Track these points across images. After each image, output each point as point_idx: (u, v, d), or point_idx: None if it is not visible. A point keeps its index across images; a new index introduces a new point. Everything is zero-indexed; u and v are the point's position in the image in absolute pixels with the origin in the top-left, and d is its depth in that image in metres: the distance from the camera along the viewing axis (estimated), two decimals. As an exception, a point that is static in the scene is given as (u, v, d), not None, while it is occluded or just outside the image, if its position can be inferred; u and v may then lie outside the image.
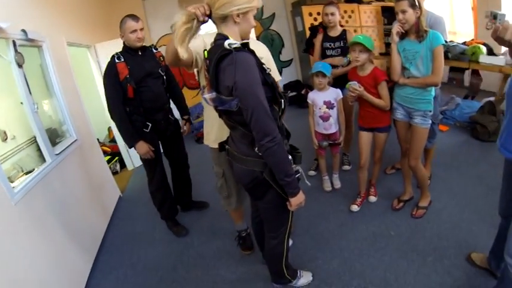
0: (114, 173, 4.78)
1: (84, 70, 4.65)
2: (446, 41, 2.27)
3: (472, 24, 6.16)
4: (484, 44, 4.42)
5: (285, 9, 7.13)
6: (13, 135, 3.47)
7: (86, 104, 5.17)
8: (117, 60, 2.52)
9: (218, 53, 1.29)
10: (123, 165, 5.02)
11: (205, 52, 1.43)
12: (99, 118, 4.95)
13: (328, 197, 3.11)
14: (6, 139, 3.43)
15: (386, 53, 6.49)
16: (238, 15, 1.33)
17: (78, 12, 4.07)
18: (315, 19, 6.32)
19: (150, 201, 2.99)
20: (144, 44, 2.64)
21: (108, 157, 4.89)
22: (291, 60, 7.59)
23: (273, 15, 7.22)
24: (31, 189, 2.22)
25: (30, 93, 2.52)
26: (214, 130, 1.99)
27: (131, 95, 2.54)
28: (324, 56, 3.24)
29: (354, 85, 2.44)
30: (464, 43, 4.73)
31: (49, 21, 3.13)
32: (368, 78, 2.47)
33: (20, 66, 2.43)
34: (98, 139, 5.40)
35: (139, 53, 2.62)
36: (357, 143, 2.74)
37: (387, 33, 7.29)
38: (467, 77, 4.68)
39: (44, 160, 2.66)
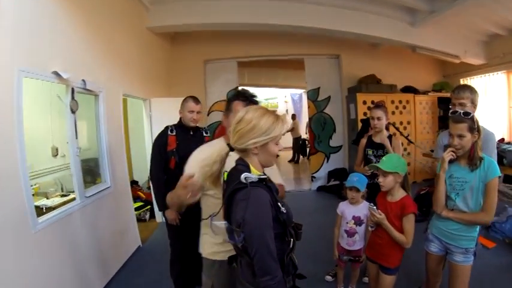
0: (143, 220, 4.83)
1: (140, 116, 5.00)
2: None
3: None
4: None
5: (341, 93, 6.98)
6: (63, 153, 3.82)
7: (134, 148, 5.66)
8: (169, 132, 2.69)
9: (234, 185, 1.26)
10: (152, 214, 5.08)
11: (226, 174, 1.38)
12: (143, 164, 5.15)
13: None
14: (56, 155, 3.85)
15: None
16: (256, 147, 1.30)
17: (139, 67, 4.49)
18: (369, 108, 6.13)
19: (166, 258, 2.91)
20: (197, 125, 2.81)
21: (141, 203, 5.00)
22: (341, 146, 7.16)
23: (329, 98, 7.04)
24: (53, 223, 2.37)
25: (77, 137, 2.73)
26: (212, 243, 1.81)
27: (173, 166, 2.64)
28: (366, 162, 3.01)
29: (373, 209, 2.10)
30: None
31: (110, 74, 3.49)
32: (395, 206, 2.09)
33: (73, 112, 2.68)
34: (137, 182, 5.70)
35: (191, 133, 2.74)
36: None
37: (441, 126, 7.11)
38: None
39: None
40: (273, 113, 1.32)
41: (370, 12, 5.43)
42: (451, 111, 2.02)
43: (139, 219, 4.56)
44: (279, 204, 1.28)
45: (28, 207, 2.10)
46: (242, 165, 1.32)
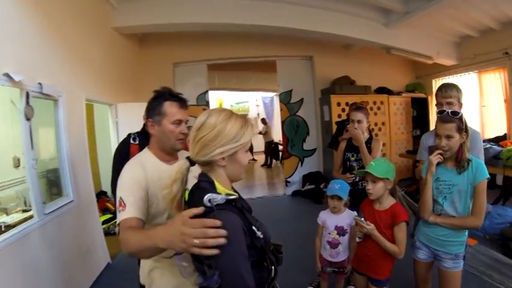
0: (112, 234, 4.50)
1: (107, 123, 4.69)
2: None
3: (505, 118, 5.96)
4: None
5: (314, 95, 6.92)
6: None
7: (101, 156, 5.28)
8: (132, 141, 2.42)
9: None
10: (122, 226, 4.75)
11: (187, 193, 1.13)
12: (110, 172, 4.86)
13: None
14: (18, 166, 3.52)
15: (415, 151, 6.34)
16: (223, 159, 1.09)
17: (105, 70, 4.19)
18: (343, 110, 6.19)
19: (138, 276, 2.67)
20: None
21: (109, 216, 4.67)
22: (315, 149, 7.06)
23: (301, 100, 6.95)
24: (8, 245, 2.10)
25: (33, 147, 2.44)
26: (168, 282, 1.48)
27: None
28: (344, 167, 2.87)
29: (360, 221, 1.96)
30: (497, 140, 4.47)
31: (70, 77, 3.19)
32: (385, 214, 1.97)
33: (27, 119, 2.39)
34: (106, 192, 5.34)
35: None
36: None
37: (415, 126, 7.28)
38: (499, 175, 4.35)
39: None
40: (240, 115, 1.13)
41: (344, 13, 5.39)
42: (437, 110, 1.95)
43: (108, 233, 4.23)
44: (254, 228, 1.06)
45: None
46: (205, 182, 1.10)
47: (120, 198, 1.30)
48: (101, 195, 5.19)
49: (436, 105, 2.28)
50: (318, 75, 6.86)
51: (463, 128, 1.79)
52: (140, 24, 4.65)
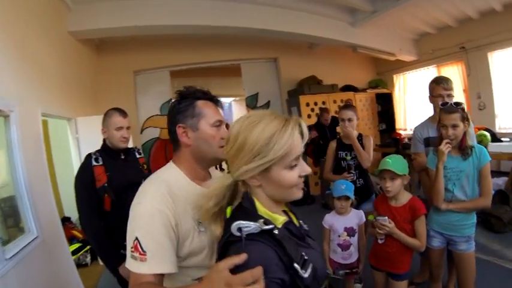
0: (83, 265, 3.95)
1: (64, 140, 4.17)
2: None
3: (465, 106, 6.23)
4: (487, 130, 4.32)
5: (281, 97, 6.86)
6: None
7: (61, 178, 4.69)
8: (94, 163, 2.02)
9: (225, 236, 0.85)
10: (94, 256, 4.16)
11: (229, 209, 0.93)
12: (73, 196, 4.33)
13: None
14: None
15: (383, 145, 6.61)
16: (254, 178, 0.87)
17: (61, 80, 3.70)
18: (312, 109, 6.19)
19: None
20: (127, 146, 2.20)
21: (78, 245, 4.10)
22: None
23: (268, 103, 6.85)
24: None
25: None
26: None
27: (108, 207, 2.02)
28: (338, 167, 2.81)
29: (383, 221, 1.95)
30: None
31: (23, 88, 2.70)
32: (403, 210, 1.99)
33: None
34: (69, 218, 4.75)
35: (122, 157, 2.16)
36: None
37: (381, 121, 7.52)
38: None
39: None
40: (280, 117, 0.86)
41: (310, 12, 5.39)
42: (441, 102, 2.08)
43: (79, 265, 3.70)
44: (296, 265, 0.79)
45: None
46: (247, 201, 0.89)
47: (137, 239, 0.94)
48: (64, 221, 4.57)
49: (434, 97, 2.37)
50: (283, 76, 6.82)
51: (465, 117, 1.92)
52: (98, 28, 4.24)
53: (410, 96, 7.55)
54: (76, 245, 4.05)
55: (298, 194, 0.91)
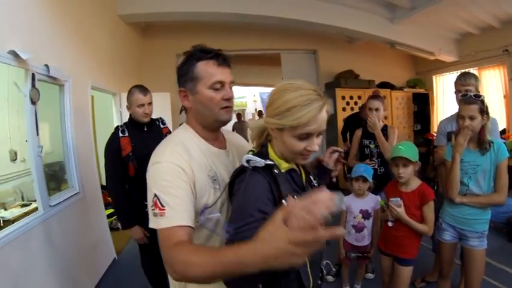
0: (115, 229, 4.31)
1: (107, 114, 4.53)
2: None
3: (504, 113, 6.07)
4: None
5: (318, 90, 6.93)
6: (23, 158, 3.32)
7: (102, 149, 5.05)
8: (121, 134, 2.27)
9: (236, 168, 1.01)
10: (126, 221, 4.56)
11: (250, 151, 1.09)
12: None
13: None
14: (15, 159, 3.35)
15: (416, 144, 6.25)
16: (272, 129, 1.00)
17: (110, 58, 4.02)
18: (347, 103, 6.22)
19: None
20: (152, 117, 2.41)
21: (112, 210, 4.48)
22: None
23: (306, 94, 6.94)
24: (12, 240, 1.91)
25: (38, 133, 2.27)
26: None
27: (132, 173, 2.26)
28: (363, 154, 2.91)
29: (395, 202, 2.00)
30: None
31: (76, 62, 3.01)
32: (412, 195, 2.03)
33: (33, 102, 2.22)
34: (106, 187, 5.14)
35: (145, 129, 2.36)
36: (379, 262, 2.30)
37: (416, 121, 7.33)
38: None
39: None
40: (310, 93, 0.93)
41: (350, 6, 5.31)
42: (461, 94, 2.09)
43: (112, 228, 4.04)
44: (284, 202, 0.89)
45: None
46: (264, 146, 1.04)
47: (155, 196, 0.96)
48: (102, 189, 4.99)
49: (455, 92, 2.39)
50: (322, 68, 6.80)
51: (484, 110, 1.87)
52: (145, 12, 4.48)
53: (449, 97, 7.23)
54: (110, 210, 4.41)
55: (301, 162, 1.03)
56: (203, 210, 1.06)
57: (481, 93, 2.02)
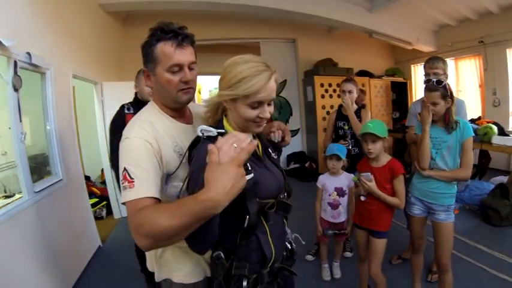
0: (99, 218, 4.37)
1: (88, 105, 4.55)
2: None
3: (480, 102, 6.34)
4: (495, 123, 4.39)
5: (297, 77, 7.00)
6: (4, 151, 3.28)
7: (83, 140, 5.07)
8: (126, 111, 2.39)
9: (193, 139, 1.08)
10: (109, 211, 4.59)
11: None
12: (95, 156, 4.80)
13: (327, 288, 2.68)
14: None
15: (394, 130, 6.55)
16: (226, 102, 1.05)
17: (91, 47, 4.00)
18: (326, 90, 6.39)
19: (131, 256, 2.59)
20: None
21: (96, 200, 4.51)
22: (298, 129, 7.15)
23: (285, 81, 6.98)
24: None
25: (21, 120, 2.29)
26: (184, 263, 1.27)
27: None
28: (337, 135, 3.05)
29: (366, 176, 2.06)
30: (472, 121, 4.72)
31: (58, 51, 3.01)
32: (383, 170, 2.09)
33: (15, 89, 2.24)
34: (89, 177, 5.17)
35: None
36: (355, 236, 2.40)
37: (395, 109, 7.56)
38: (475, 155, 4.56)
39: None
40: (259, 66, 1.01)
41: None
42: (424, 80, 2.19)
43: (96, 217, 4.08)
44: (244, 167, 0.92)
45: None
46: (220, 121, 1.11)
47: (125, 169, 1.00)
48: (86, 180, 5.00)
49: (424, 75, 2.49)
50: (301, 57, 6.94)
51: (447, 95, 1.97)
52: (125, 1, 4.50)
53: (427, 86, 7.52)
54: (94, 200, 4.45)
55: (255, 130, 1.09)
56: (166, 178, 1.13)
57: (445, 79, 2.14)
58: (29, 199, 2.32)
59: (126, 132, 1.11)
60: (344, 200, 2.62)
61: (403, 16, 6.10)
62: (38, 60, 2.47)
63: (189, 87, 1.16)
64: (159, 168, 1.06)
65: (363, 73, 7.12)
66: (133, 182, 0.97)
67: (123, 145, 1.07)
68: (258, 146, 1.16)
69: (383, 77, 7.45)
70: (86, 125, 4.84)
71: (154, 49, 1.10)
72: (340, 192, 2.60)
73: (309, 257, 3.10)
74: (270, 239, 1.08)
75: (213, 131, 1.02)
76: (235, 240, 1.03)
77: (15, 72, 2.21)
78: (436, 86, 1.98)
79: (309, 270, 2.90)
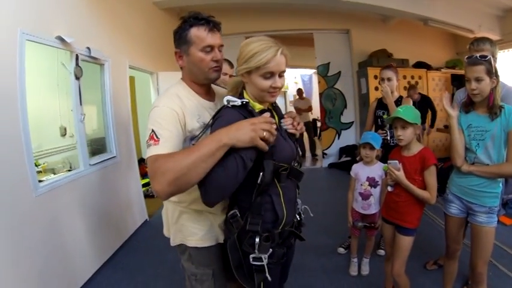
0: (150, 196, 4.83)
1: (146, 97, 5.00)
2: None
3: None
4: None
5: (351, 68, 6.84)
6: (72, 133, 3.74)
7: (142, 126, 5.63)
8: None
9: (217, 109, 1.23)
10: (161, 191, 5.05)
11: None
12: None
13: (351, 283, 2.57)
14: (65, 135, 3.85)
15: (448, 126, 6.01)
16: (243, 75, 1.21)
17: (145, 41, 4.42)
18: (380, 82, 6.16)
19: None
20: None
21: (148, 180, 4.99)
22: (352, 122, 7.02)
23: (339, 73, 6.90)
24: (55, 188, 2.35)
25: (81, 103, 2.71)
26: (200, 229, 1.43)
27: None
28: (376, 125, 2.96)
29: (394, 164, 1.91)
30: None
31: (115, 45, 3.44)
32: (414, 159, 1.91)
33: (77, 78, 2.65)
34: (145, 159, 5.68)
35: None
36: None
37: None
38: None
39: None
40: (269, 42, 1.15)
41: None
42: (467, 56, 1.83)
43: (147, 195, 4.55)
44: None
45: (29, 169, 2.06)
46: (240, 94, 1.26)
47: (152, 131, 1.14)
48: (140, 162, 5.52)
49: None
50: (355, 48, 6.75)
51: (492, 72, 1.69)
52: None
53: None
54: (147, 180, 4.93)
55: (269, 100, 1.23)
56: (190, 138, 1.27)
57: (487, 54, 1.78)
58: (84, 170, 2.76)
59: (156, 102, 1.29)
60: (376, 191, 2.50)
61: (462, 1, 5.63)
62: (97, 54, 2.89)
63: (218, 66, 1.35)
64: (182, 133, 1.22)
65: (419, 65, 6.68)
66: (159, 140, 1.12)
67: (153, 112, 1.22)
68: (274, 117, 1.30)
69: (442, 69, 6.91)
70: (144, 112, 5.32)
71: (188, 33, 1.28)
72: (372, 182, 2.49)
73: (341, 250, 3.04)
74: (283, 201, 1.22)
75: (238, 101, 1.17)
76: (251, 199, 1.17)
77: (77, 64, 2.62)
78: (480, 59, 1.71)
79: (338, 263, 2.86)
